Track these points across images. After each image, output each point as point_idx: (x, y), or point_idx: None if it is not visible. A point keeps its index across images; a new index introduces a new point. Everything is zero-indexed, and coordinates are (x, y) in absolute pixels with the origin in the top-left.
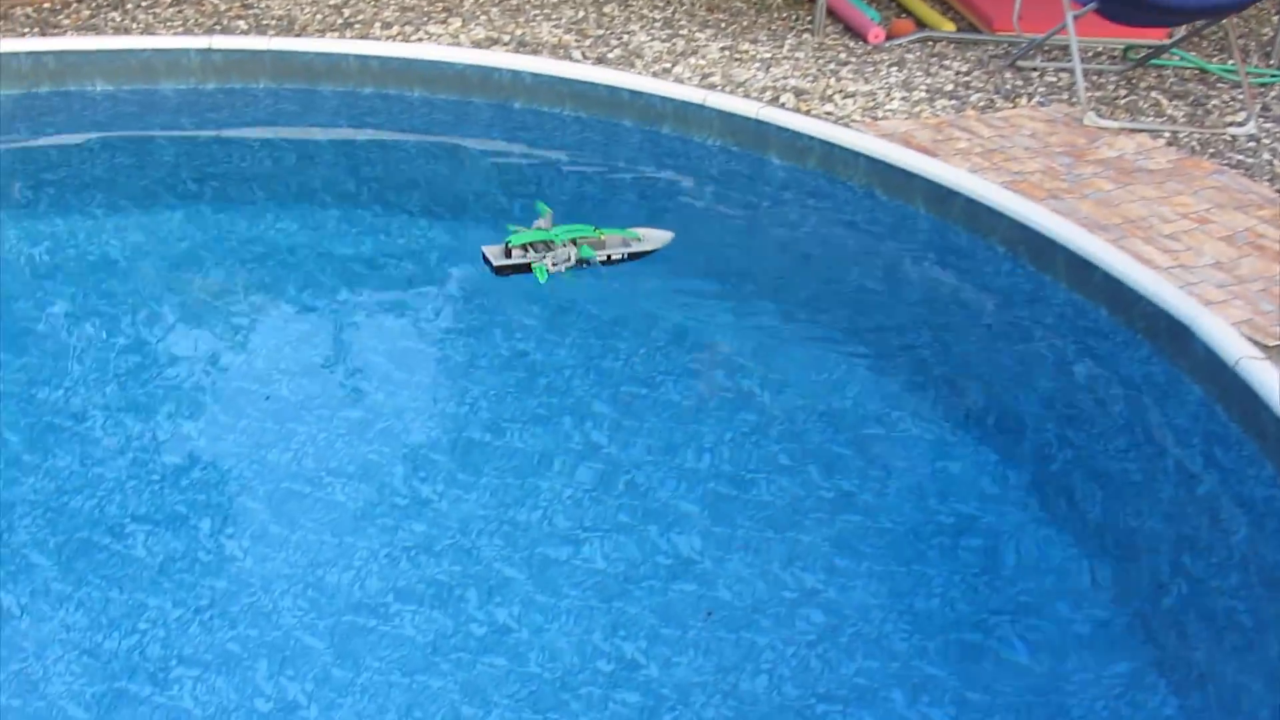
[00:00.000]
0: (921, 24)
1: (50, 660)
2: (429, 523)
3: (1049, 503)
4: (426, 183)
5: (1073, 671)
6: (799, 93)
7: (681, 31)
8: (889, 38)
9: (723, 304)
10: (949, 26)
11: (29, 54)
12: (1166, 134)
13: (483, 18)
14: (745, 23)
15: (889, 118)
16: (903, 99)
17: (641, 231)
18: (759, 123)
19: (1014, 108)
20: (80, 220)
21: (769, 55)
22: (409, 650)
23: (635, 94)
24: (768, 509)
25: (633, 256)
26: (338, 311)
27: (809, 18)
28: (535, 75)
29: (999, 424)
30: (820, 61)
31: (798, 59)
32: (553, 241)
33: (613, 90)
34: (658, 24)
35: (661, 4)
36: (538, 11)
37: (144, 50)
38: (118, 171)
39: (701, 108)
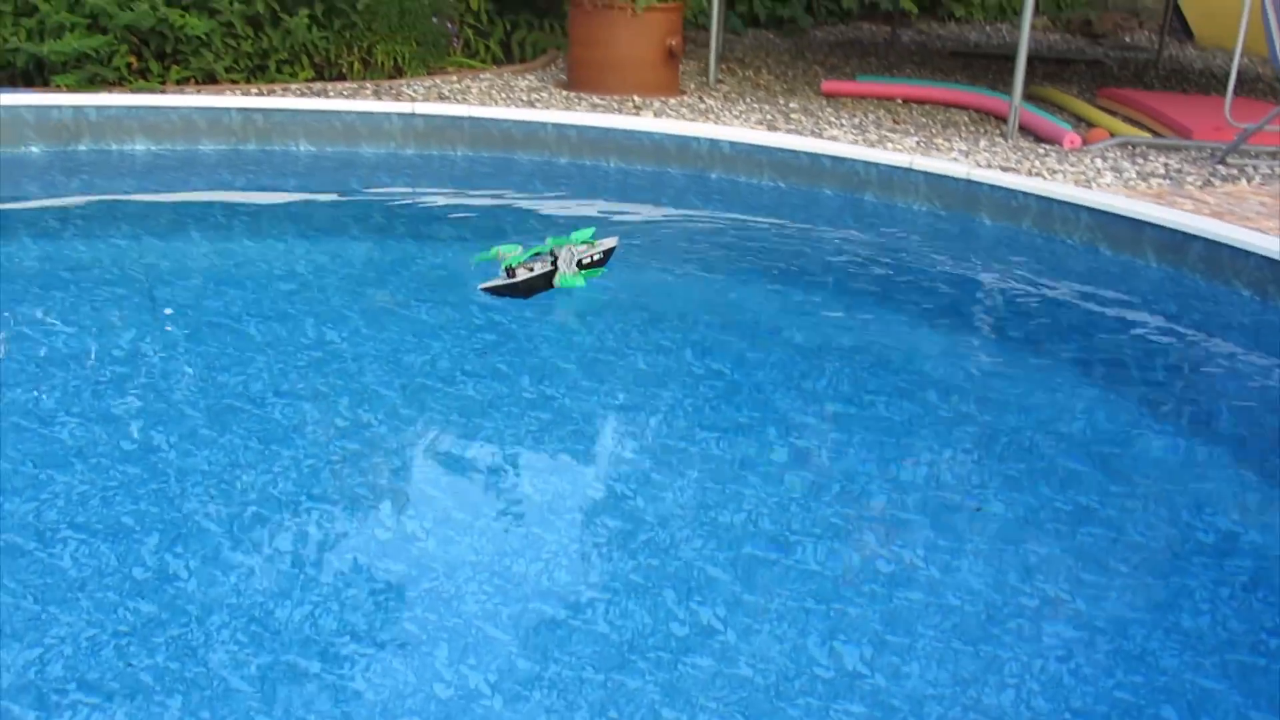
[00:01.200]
0: (1114, 134)
1: (214, 627)
2: (626, 518)
3: None
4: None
5: None
6: (1004, 169)
7: (870, 131)
8: (1085, 144)
9: (947, 337)
10: (1145, 134)
11: (240, 110)
12: None
13: (672, 115)
14: (933, 130)
15: (1103, 189)
16: (1114, 176)
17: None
18: (970, 183)
19: (1234, 186)
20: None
21: (965, 148)
22: (604, 647)
23: (837, 160)
24: (999, 520)
25: (607, 254)
26: (527, 328)
27: (997, 130)
28: (733, 144)
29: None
30: (1019, 154)
31: (995, 151)
32: (542, 253)
33: (813, 158)
34: (845, 125)
35: (847, 114)
36: (725, 111)
37: (349, 113)
38: (313, 217)
39: (908, 171)
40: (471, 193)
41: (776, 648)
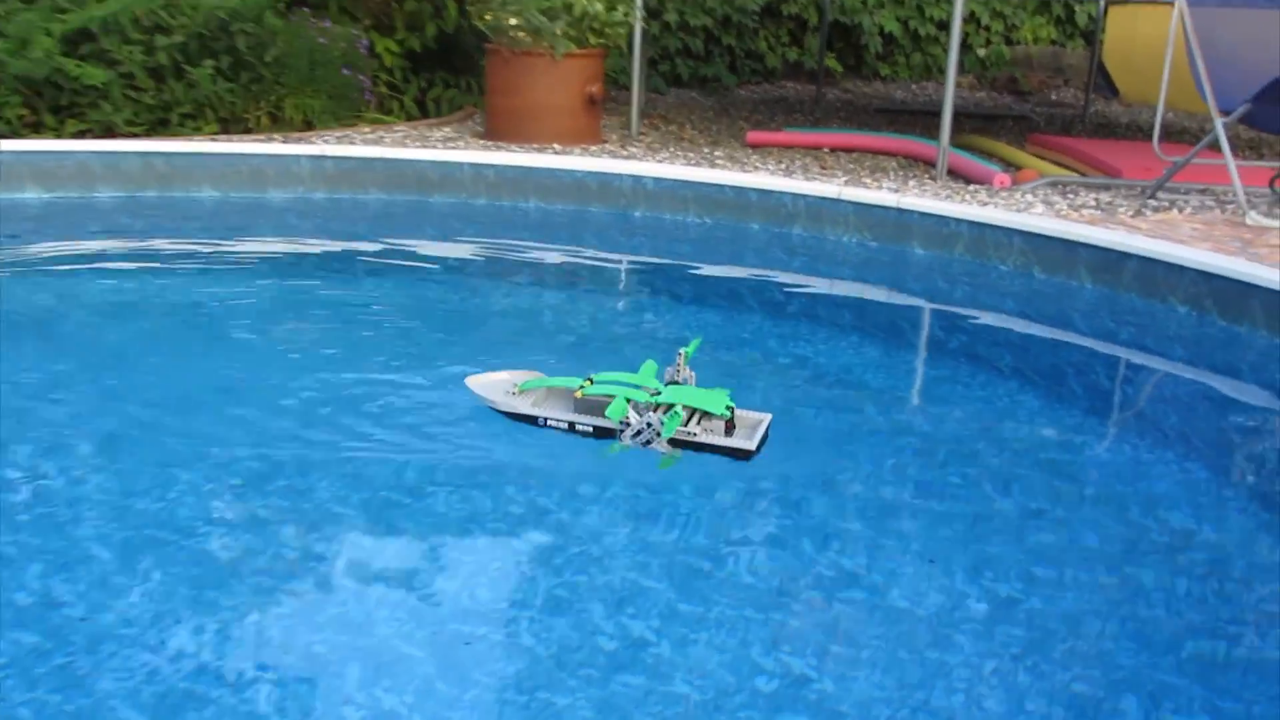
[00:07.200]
0: (1043, 175)
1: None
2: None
3: None
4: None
5: None
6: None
7: (798, 175)
8: (1015, 183)
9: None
10: (1075, 175)
11: (140, 154)
12: None
13: (604, 155)
14: (861, 174)
15: (1035, 218)
16: (1046, 206)
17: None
18: (900, 211)
19: (1166, 214)
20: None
21: (894, 186)
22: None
23: (764, 193)
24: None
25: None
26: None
27: (926, 174)
28: (657, 180)
29: None
30: (949, 191)
31: (924, 189)
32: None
33: (739, 191)
34: (772, 170)
35: (773, 161)
36: (649, 158)
37: (256, 155)
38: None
39: (836, 202)
40: (387, 237)
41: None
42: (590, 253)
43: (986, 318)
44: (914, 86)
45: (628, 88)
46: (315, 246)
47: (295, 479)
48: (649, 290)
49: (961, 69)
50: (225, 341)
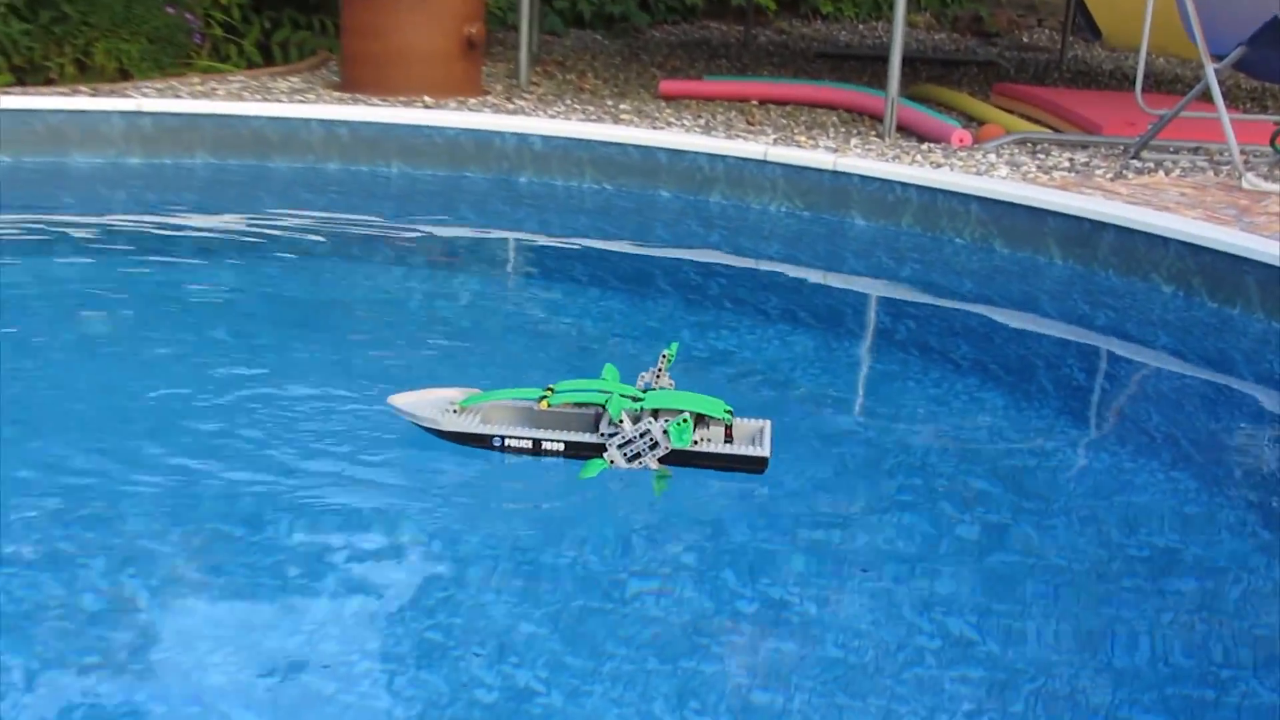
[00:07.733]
0: (1010, 132)
1: None
2: None
3: None
4: None
5: None
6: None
7: (719, 133)
8: (977, 141)
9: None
10: (1047, 131)
11: None
12: None
13: (485, 110)
14: (795, 130)
15: (996, 182)
16: (1011, 168)
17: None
18: (836, 174)
19: (1151, 177)
20: None
21: (833, 146)
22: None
23: (675, 154)
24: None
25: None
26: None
27: (872, 130)
28: (546, 139)
29: None
30: (898, 150)
31: (869, 148)
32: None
33: (646, 152)
34: (689, 126)
35: (690, 115)
36: (539, 113)
37: (55, 112)
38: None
39: (762, 164)
40: (218, 211)
41: None
42: (466, 227)
43: (940, 301)
44: (861, 27)
45: (515, 28)
46: (128, 222)
47: (103, 508)
48: (539, 272)
49: (917, 6)
50: (10, 339)
